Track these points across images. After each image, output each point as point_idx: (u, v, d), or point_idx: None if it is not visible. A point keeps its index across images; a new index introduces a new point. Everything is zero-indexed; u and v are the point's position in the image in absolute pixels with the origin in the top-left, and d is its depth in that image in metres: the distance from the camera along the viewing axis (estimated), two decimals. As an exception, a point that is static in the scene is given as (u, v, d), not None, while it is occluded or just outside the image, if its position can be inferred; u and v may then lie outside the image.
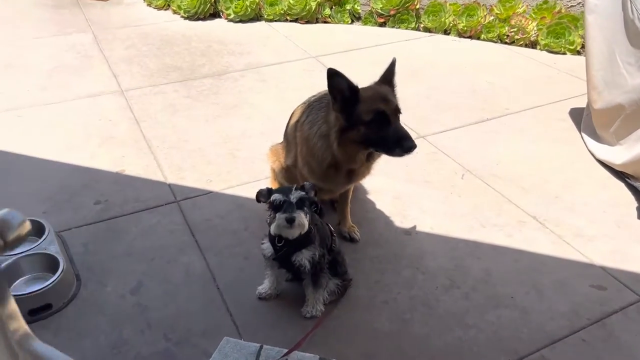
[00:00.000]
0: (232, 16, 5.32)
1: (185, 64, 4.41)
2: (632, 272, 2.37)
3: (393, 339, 2.08)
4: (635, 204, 2.79)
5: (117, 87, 4.02)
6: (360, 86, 2.11)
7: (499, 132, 3.47)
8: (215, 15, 5.48)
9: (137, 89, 3.99)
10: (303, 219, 1.91)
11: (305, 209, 1.93)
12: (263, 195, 1.98)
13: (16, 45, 4.73)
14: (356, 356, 2.00)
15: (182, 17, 5.46)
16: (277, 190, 1.95)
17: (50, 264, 2.29)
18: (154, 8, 5.73)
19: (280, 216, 1.89)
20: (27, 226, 0.53)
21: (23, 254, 2.29)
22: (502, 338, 2.08)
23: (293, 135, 2.36)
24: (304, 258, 2.03)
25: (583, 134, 3.34)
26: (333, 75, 2.04)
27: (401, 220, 2.70)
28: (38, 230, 2.46)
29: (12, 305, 0.72)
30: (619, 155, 2.95)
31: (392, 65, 2.18)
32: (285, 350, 2.00)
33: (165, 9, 5.70)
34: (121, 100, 3.82)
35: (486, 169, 3.08)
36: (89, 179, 2.98)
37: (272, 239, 2.04)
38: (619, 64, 2.93)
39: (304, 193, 1.93)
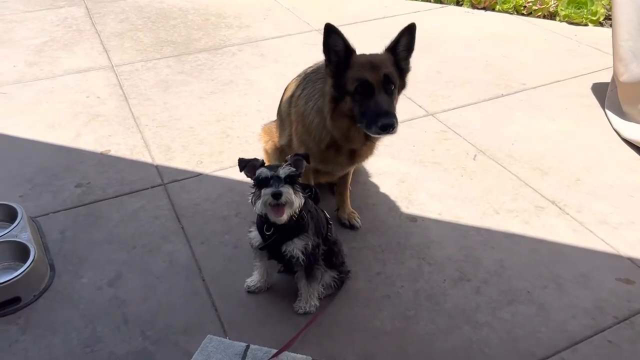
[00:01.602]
0: (232, -13, 5.04)
1: (180, 38, 4.17)
2: (661, 264, 2.14)
3: (395, 339, 1.86)
4: (666, 188, 2.53)
5: (108, 62, 3.79)
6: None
7: (514, 109, 3.20)
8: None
9: (128, 64, 3.76)
10: (291, 195, 1.67)
11: (296, 186, 1.70)
12: (249, 166, 1.75)
13: (5, 20, 4.51)
14: (353, 358, 1.79)
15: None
16: (264, 166, 1.72)
17: (20, 252, 2.10)
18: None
19: (266, 192, 1.66)
20: None
21: (-9, 242, 2.10)
22: (517, 338, 1.86)
23: (287, 112, 2.12)
24: (295, 248, 1.81)
25: (607, 111, 3.07)
26: (330, 32, 1.82)
27: (406, 205, 2.46)
28: (10, 215, 2.27)
29: None
30: (648, 134, 2.69)
31: (402, 32, 1.92)
32: (275, 351, 1.79)
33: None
34: (111, 76, 3.60)
35: (501, 149, 2.83)
36: (71, 160, 2.78)
37: (260, 227, 1.83)
38: (651, 32, 2.65)
39: (294, 169, 1.70)
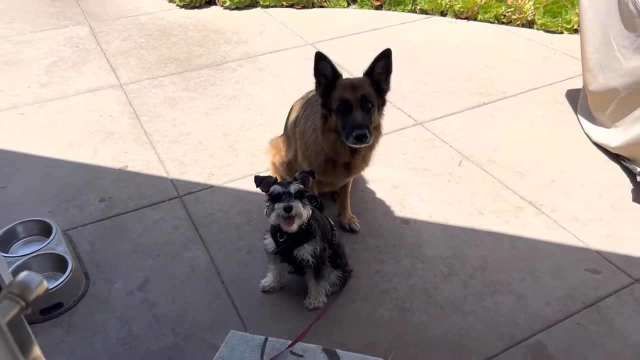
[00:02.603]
0: (227, 3, 5.31)
1: (182, 55, 4.42)
2: (626, 255, 2.43)
3: (394, 328, 2.15)
4: (631, 187, 2.83)
5: (116, 80, 4.04)
6: (345, 76, 2.18)
7: (495, 116, 3.49)
8: (210, 2, 5.47)
9: (136, 82, 4.01)
10: (300, 209, 1.96)
11: (305, 200, 1.98)
12: (264, 183, 2.02)
13: (13, 41, 4.73)
14: (358, 346, 2.07)
15: (177, 5, 5.44)
16: (276, 183, 2.00)
17: (59, 263, 2.36)
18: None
19: (278, 206, 1.94)
20: (45, 286, 0.58)
21: (32, 255, 2.36)
22: (499, 324, 2.15)
23: (293, 131, 2.41)
24: (305, 252, 2.09)
25: (579, 116, 3.37)
26: (320, 59, 2.13)
27: (400, 209, 2.75)
28: (45, 230, 2.53)
29: (36, 352, 0.76)
30: (614, 137, 2.98)
31: (378, 57, 2.18)
32: (290, 342, 2.07)
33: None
34: (121, 95, 3.85)
35: (483, 154, 3.12)
36: (92, 176, 3.03)
37: (274, 234, 2.10)
38: (614, 47, 2.94)
39: (302, 186, 1.98)
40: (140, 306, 2.26)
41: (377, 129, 2.25)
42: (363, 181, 2.93)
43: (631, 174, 2.86)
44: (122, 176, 3.04)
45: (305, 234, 2.08)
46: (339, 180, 2.43)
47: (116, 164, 3.13)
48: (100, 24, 5.08)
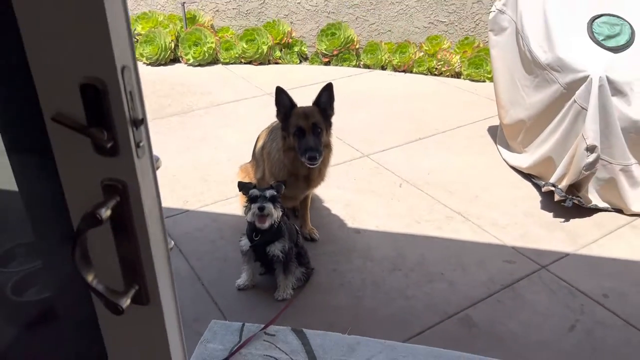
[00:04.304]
0: (191, 61, 5.87)
1: (153, 106, 4.89)
2: (534, 249, 2.99)
3: (349, 311, 2.59)
4: (539, 198, 3.43)
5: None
6: (299, 105, 2.73)
7: (429, 148, 4.10)
8: (175, 60, 6.02)
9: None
10: (272, 209, 2.43)
11: (276, 204, 2.45)
12: (245, 188, 2.48)
13: None
14: (321, 326, 2.49)
15: (144, 63, 5.95)
16: (255, 187, 2.47)
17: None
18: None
19: (254, 206, 2.41)
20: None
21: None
22: (435, 304, 2.63)
23: (261, 154, 2.91)
24: (276, 249, 2.54)
25: (498, 146, 4.02)
26: (279, 92, 2.69)
27: (351, 222, 3.24)
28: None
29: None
30: (525, 160, 3.62)
31: (322, 90, 2.75)
32: (263, 325, 2.48)
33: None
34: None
35: (419, 178, 3.69)
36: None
37: (250, 233, 2.55)
38: (519, 87, 3.62)
39: (275, 192, 2.45)
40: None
41: (328, 147, 2.79)
42: (320, 201, 3.43)
43: (539, 188, 3.47)
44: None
45: (276, 233, 2.54)
46: (300, 193, 2.91)
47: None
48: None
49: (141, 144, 0.84)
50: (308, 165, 2.68)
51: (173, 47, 5.96)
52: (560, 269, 2.85)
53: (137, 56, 5.83)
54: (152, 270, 0.94)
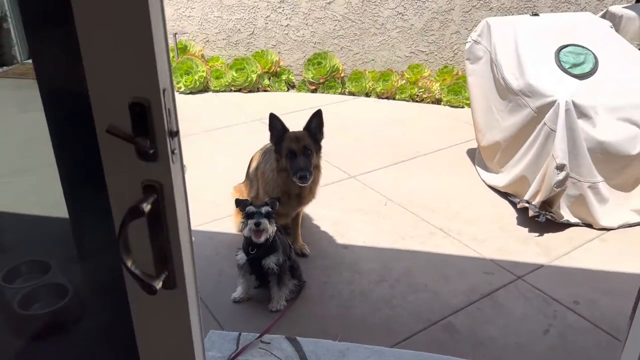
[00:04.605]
0: (183, 89, 6.09)
1: (146, 131, 5.07)
2: (511, 261, 3.20)
3: (339, 320, 2.76)
4: (515, 215, 3.66)
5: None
6: (291, 129, 2.96)
7: (412, 170, 4.33)
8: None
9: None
10: (267, 225, 2.61)
11: (271, 219, 2.64)
12: (242, 204, 2.67)
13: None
14: (312, 334, 2.65)
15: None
16: (251, 204, 2.66)
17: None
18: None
19: (251, 221, 2.59)
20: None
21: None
22: (420, 312, 2.81)
23: (255, 174, 3.10)
24: (271, 262, 2.71)
25: (477, 167, 4.26)
26: (272, 118, 2.92)
27: (340, 238, 3.43)
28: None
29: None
30: (501, 179, 3.86)
31: (312, 116, 2.98)
32: (259, 334, 2.64)
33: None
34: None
35: (403, 197, 3.90)
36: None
37: (246, 248, 2.72)
38: (494, 111, 3.88)
39: (270, 209, 2.64)
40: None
41: (317, 168, 2.99)
42: (310, 219, 3.61)
43: (514, 205, 3.70)
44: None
45: (271, 247, 2.72)
46: (292, 210, 3.10)
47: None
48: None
49: (175, 151, 1.03)
50: (299, 184, 2.87)
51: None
52: (535, 279, 3.05)
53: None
54: (179, 258, 1.12)
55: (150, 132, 0.98)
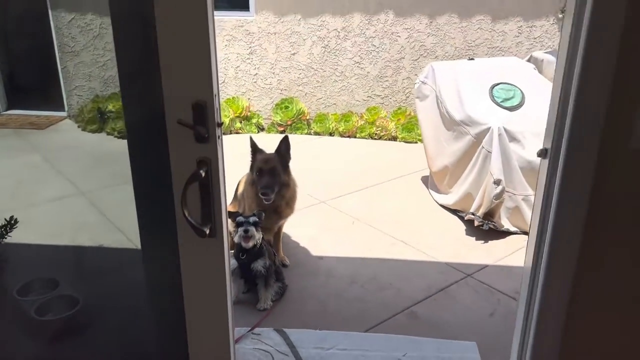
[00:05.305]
0: (160, 133, 6.55)
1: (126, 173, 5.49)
2: (462, 263, 3.75)
3: (318, 315, 3.21)
4: (464, 227, 4.25)
5: (77, 189, 5.01)
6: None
7: (375, 195, 4.91)
8: (145, 133, 6.69)
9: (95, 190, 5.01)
10: (254, 232, 3.09)
11: (258, 227, 3.12)
12: (233, 215, 3.14)
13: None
14: (296, 326, 3.10)
15: (116, 137, 6.59)
16: (241, 215, 3.14)
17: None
18: (89, 132, 6.82)
19: (240, 229, 3.07)
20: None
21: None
22: (386, 305, 3.30)
23: (242, 195, 3.60)
24: (259, 265, 3.17)
25: (430, 190, 4.87)
26: (251, 140, 3.51)
27: (315, 251, 3.92)
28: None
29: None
30: (451, 198, 4.46)
31: (280, 142, 3.53)
32: (250, 328, 3.07)
33: (100, 132, 6.80)
34: (83, 201, 4.82)
35: (368, 217, 4.44)
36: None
37: (237, 254, 3.18)
38: (441, 140, 4.53)
39: (256, 218, 3.13)
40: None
41: (288, 185, 3.50)
42: (289, 237, 4.10)
43: (462, 219, 4.30)
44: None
45: (258, 253, 3.19)
46: (273, 224, 3.59)
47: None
48: (51, 152, 6.07)
49: (220, 137, 1.55)
50: (264, 199, 3.37)
51: (143, 121, 6.64)
52: (481, 275, 3.61)
53: (109, 131, 6.52)
54: (219, 214, 1.61)
55: (205, 122, 1.50)
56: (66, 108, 7.31)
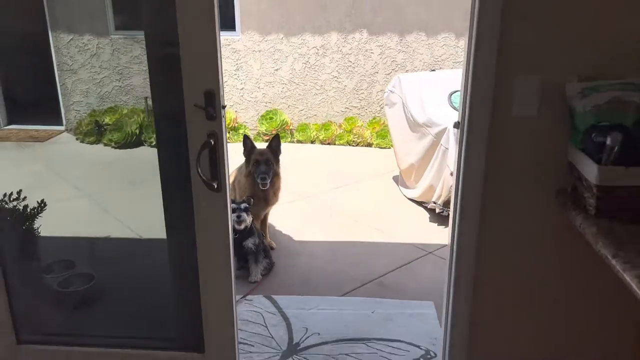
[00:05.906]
0: (154, 144, 7.09)
1: (124, 177, 6.03)
2: (424, 243, 4.34)
3: (301, 286, 3.76)
4: (428, 215, 4.85)
5: (81, 192, 5.52)
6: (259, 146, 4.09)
7: (351, 192, 5.50)
8: (140, 144, 7.23)
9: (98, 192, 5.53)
10: (245, 217, 3.66)
11: (248, 212, 3.69)
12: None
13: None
14: (281, 292, 3.65)
15: (113, 147, 7.12)
16: (234, 202, 3.70)
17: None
18: (87, 144, 7.34)
19: (233, 215, 3.63)
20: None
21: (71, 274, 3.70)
22: (359, 276, 3.85)
23: (233, 187, 4.16)
24: (250, 243, 3.73)
25: (399, 187, 5.48)
26: (245, 138, 4.02)
27: (298, 237, 4.49)
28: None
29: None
30: (417, 192, 5.07)
31: (272, 139, 4.11)
32: (243, 295, 3.61)
33: (97, 144, 7.33)
34: (88, 201, 5.34)
35: (344, 209, 5.03)
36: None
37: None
38: (407, 141, 5.15)
39: (247, 204, 3.70)
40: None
41: (278, 175, 4.08)
42: (274, 226, 4.66)
43: (426, 208, 4.90)
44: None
45: (249, 232, 3.75)
46: (261, 211, 4.15)
47: (103, 234, 4.56)
48: (53, 162, 6.58)
49: (223, 116, 2.13)
50: (261, 185, 3.94)
51: (138, 133, 7.19)
52: (440, 252, 4.19)
53: (106, 142, 7.05)
54: (223, 173, 2.19)
55: (214, 104, 2.08)
56: (64, 122, 7.84)
